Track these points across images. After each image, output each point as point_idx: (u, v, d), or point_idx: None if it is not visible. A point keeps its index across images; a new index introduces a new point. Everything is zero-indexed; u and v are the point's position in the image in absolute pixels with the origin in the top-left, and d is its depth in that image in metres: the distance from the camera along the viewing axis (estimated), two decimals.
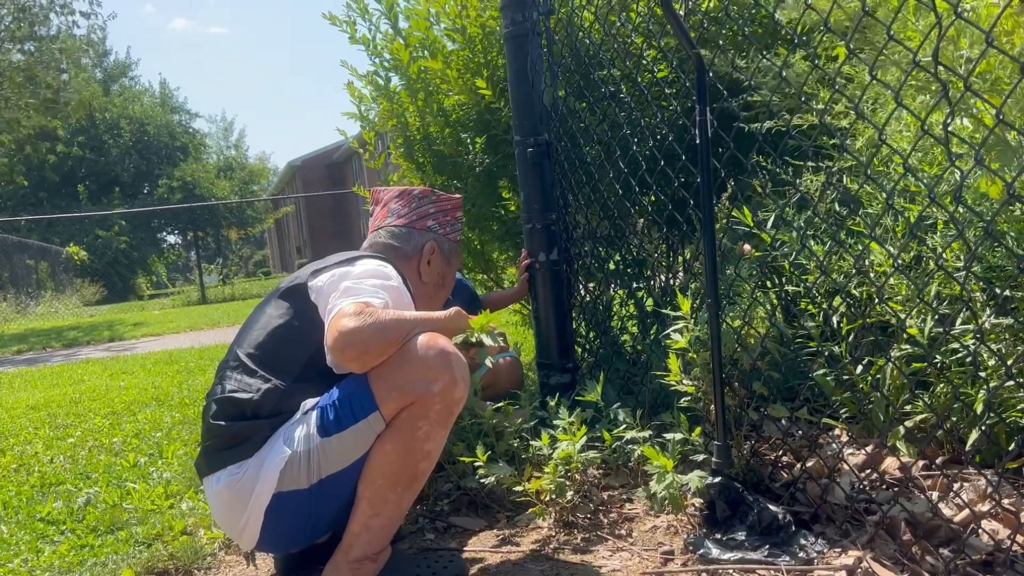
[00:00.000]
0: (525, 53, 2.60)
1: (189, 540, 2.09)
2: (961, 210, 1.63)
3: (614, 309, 2.95)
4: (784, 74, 1.59)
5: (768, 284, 2.28)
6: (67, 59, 15.08)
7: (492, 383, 2.43)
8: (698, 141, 1.77)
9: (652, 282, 2.92)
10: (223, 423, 1.62)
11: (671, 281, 2.89)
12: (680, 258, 2.94)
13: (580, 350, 2.94)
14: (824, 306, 2.08)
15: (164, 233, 31.32)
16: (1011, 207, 1.59)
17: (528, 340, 3.97)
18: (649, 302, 2.92)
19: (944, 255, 1.64)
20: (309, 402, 1.63)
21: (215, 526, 2.17)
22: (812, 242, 2.01)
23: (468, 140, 3.16)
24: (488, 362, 1.81)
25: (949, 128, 1.30)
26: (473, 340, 1.76)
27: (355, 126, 3.52)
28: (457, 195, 2.14)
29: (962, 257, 1.67)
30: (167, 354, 6.90)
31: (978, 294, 1.71)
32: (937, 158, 1.77)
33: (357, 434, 1.56)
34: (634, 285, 2.98)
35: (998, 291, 1.56)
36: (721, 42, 2.11)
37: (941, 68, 1.31)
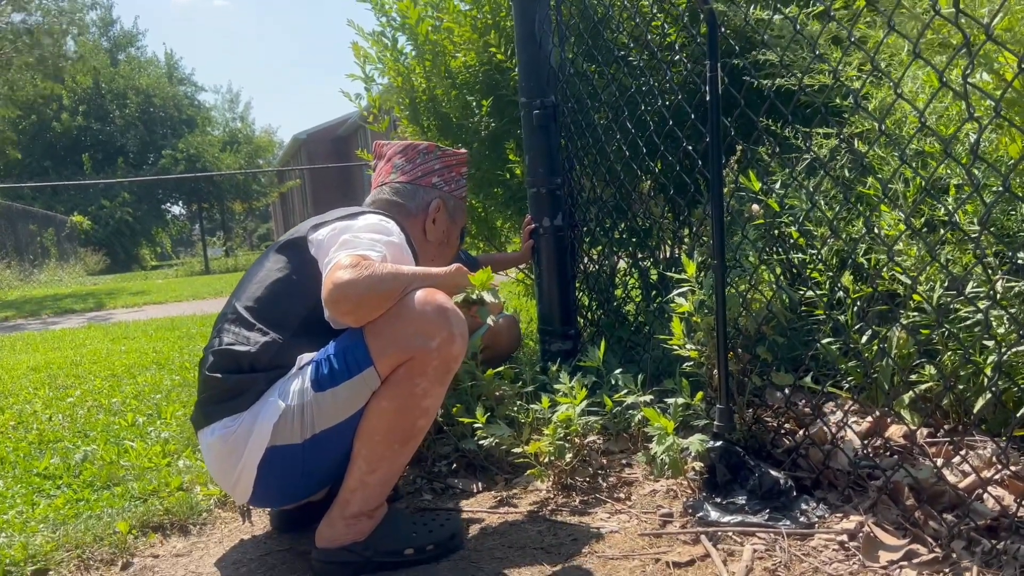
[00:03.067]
0: (532, 13, 2.55)
1: (185, 496, 2.08)
2: (977, 170, 1.59)
3: (618, 276, 2.92)
4: (798, 27, 1.55)
5: (776, 249, 2.24)
6: (68, 21, 14.94)
7: (491, 343, 2.40)
8: (708, 98, 1.73)
9: (657, 249, 2.89)
10: (219, 375, 1.60)
11: (676, 250, 2.85)
12: (687, 229, 2.90)
13: (582, 318, 2.91)
14: (832, 273, 2.04)
15: (168, 204, 31.25)
16: None
17: (530, 309, 3.94)
18: (653, 270, 2.88)
19: (957, 216, 1.60)
20: (305, 356, 1.60)
21: (211, 483, 2.16)
22: (822, 203, 1.97)
23: (474, 103, 3.10)
24: (490, 320, 1.78)
25: (969, 80, 1.26)
26: (474, 297, 1.72)
27: (361, 95, 3.44)
28: (462, 150, 2.10)
29: (975, 221, 1.63)
30: (169, 320, 6.89)
31: (991, 259, 1.67)
32: (953, 119, 1.73)
33: (352, 389, 1.54)
34: (639, 255, 2.94)
35: (1009, 253, 1.53)
36: None
37: (962, 20, 1.27)
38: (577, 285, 2.86)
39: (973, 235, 1.52)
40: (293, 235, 1.76)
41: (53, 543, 1.82)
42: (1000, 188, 1.27)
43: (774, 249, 2.14)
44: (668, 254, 2.88)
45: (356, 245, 1.58)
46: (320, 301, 1.56)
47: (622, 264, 2.98)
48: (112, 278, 18.11)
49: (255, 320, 1.63)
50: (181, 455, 2.49)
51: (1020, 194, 1.65)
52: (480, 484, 2.08)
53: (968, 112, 1.24)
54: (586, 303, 2.93)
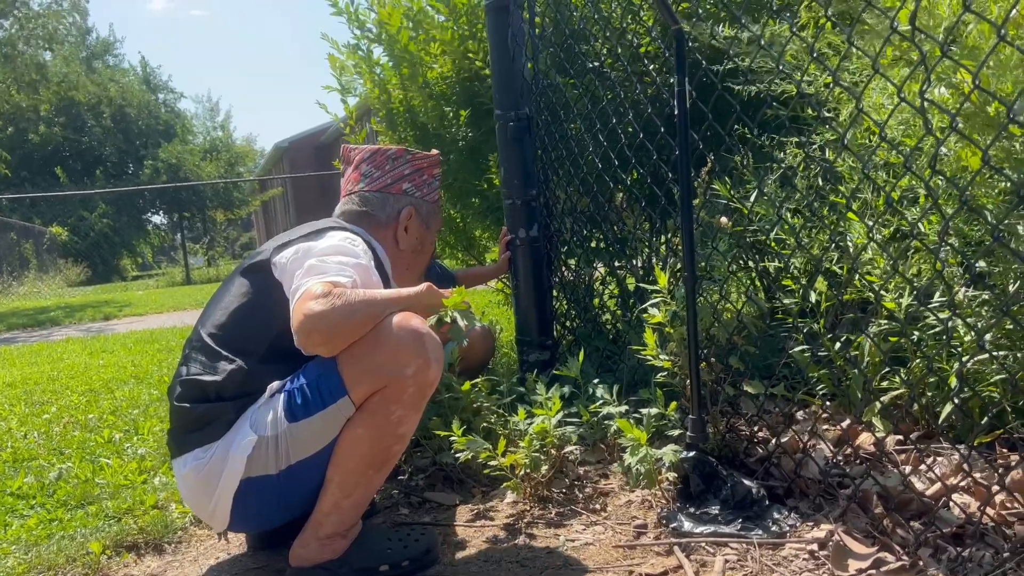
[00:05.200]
0: (506, 25, 2.56)
1: (160, 514, 2.07)
2: (939, 181, 1.62)
3: (594, 286, 2.94)
4: (763, 42, 1.57)
5: (747, 259, 2.26)
6: (46, 34, 14.80)
7: (465, 355, 2.40)
8: (677, 112, 1.75)
9: (633, 260, 2.91)
10: (187, 405, 1.59)
11: (651, 259, 2.87)
12: (662, 237, 2.92)
13: (560, 327, 2.92)
14: (803, 282, 2.06)
15: (149, 214, 30.97)
16: (989, 179, 1.58)
17: (510, 318, 3.95)
18: (629, 280, 2.90)
19: (922, 227, 1.63)
20: (275, 384, 1.58)
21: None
22: (790, 215, 1.99)
23: (451, 113, 3.11)
24: (464, 342, 1.76)
25: (926, 96, 1.28)
26: (447, 320, 1.69)
27: (339, 104, 3.46)
28: (434, 151, 2.04)
29: (939, 230, 1.66)
30: (148, 333, 6.84)
31: (955, 268, 1.70)
32: (917, 130, 1.76)
33: (326, 419, 1.52)
34: (615, 263, 2.96)
35: (972, 263, 1.55)
36: (701, 11, 2.09)
37: (919, 36, 1.29)
38: (554, 295, 2.88)
39: (934, 246, 1.54)
40: (257, 257, 1.72)
41: (25, 565, 1.81)
42: (960, 200, 1.30)
43: (745, 259, 2.16)
44: (644, 263, 2.90)
45: (324, 271, 1.54)
46: (286, 325, 1.52)
47: (598, 274, 3.00)
48: (92, 289, 17.93)
49: (220, 348, 1.60)
50: (157, 472, 2.48)
51: (984, 203, 1.68)
52: (457, 497, 2.09)
53: (926, 127, 1.26)
54: (563, 313, 2.94)
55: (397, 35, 3.10)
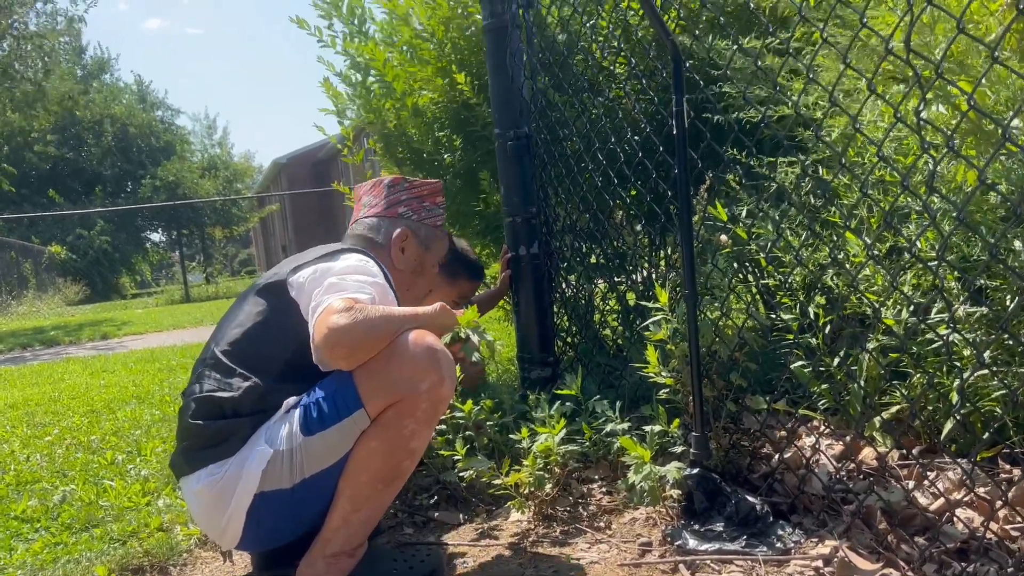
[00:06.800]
0: (504, 45, 2.59)
1: (165, 536, 2.07)
2: (935, 199, 1.63)
3: (595, 302, 2.95)
4: (760, 64, 1.59)
5: (746, 276, 2.28)
6: (44, 54, 14.82)
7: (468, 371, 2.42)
8: (675, 131, 1.77)
9: (633, 275, 2.92)
10: (202, 423, 1.59)
11: (652, 275, 2.89)
12: (661, 252, 2.94)
13: (561, 344, 2.93)
14: (801, 298, 2.08)
15: (148, 232, 30.98)
16: (985, 196, 1.59)
17: (510, 335, 3.96)
18: (630, 295, 2.92)
19: (918, 244, 1.64)
20: (291, 400, 1.60)
21: (192, 522, 2.15)
22: (788, 233, 2.01)
23: (444, 138, 3.14)
24: (475, 357, 1.79)
25: (922, 115, 1.30)
26: (462, 336, 1.74)
27: (336, 125, 3.49)
28: (435, 180, 2.08)
29: (936, 247, 1.67)
30: (149, 352, 6.84)
31: (953, 284, 1.71)
32: (912, 148, 1.78)
33: (342, 432, 1.54)
34: (615, 279, 2.97)
35: (971, 279, 1.57)
36: (698, 32, 2.11)
37: (913, 55, 1.31)
38: (555, 311, 2.89)
39: (932, 262, 1.56)
40: (272, 277, 1.74)
41: None
42: (957, 218, 1.31)
43: (744, 276, 2.17)
44: (644, 277, 2.91)
45: (344, 288, 1.57)
46: (302, 344, 1.55)
47: (598, 290, 3.01)
48: (92, 308, 17.91)
49: (235, 365, 1.62)
50: (161, 493, 2.48)
51: (980, 220, 1.70)
52: (461, 516, 2.09)
53: (922, 147, 1.28)
54: (564, 329, 2.95)
55: (381, 67, 3.11)
